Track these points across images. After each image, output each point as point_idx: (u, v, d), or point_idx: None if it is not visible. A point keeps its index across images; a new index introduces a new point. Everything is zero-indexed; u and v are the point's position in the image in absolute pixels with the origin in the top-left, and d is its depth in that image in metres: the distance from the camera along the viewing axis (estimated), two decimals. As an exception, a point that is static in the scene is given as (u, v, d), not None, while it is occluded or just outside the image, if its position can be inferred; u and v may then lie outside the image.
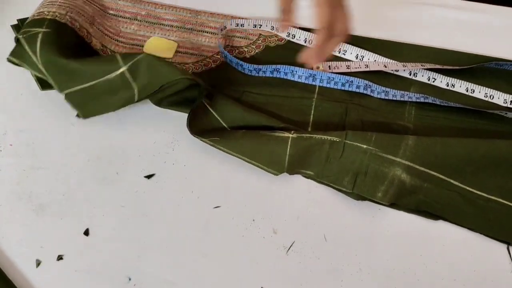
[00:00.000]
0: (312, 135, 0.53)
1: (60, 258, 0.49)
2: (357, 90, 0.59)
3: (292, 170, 0.53)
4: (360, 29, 0.64)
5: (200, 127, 0.54)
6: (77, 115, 0.56)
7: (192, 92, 0.55)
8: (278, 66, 0.59)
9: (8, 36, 0.60)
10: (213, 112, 0.55)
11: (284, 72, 0.60)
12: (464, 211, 0.52)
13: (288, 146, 0.52)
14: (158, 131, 0.56)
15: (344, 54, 0.62)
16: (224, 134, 0.54)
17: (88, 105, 0.55)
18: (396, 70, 0.61)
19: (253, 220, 0.52)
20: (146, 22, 0.64)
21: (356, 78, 0.58)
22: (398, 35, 0.64)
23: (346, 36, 0.49)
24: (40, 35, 0.53)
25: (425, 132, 0.56)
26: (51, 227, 0.51)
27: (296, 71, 0.59)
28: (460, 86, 0.60)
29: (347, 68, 0.60)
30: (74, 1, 0.60)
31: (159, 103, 0.57)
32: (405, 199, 0.52)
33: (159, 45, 0.62)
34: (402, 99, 0.58)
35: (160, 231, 0.51)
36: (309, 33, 0.63)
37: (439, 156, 0.52)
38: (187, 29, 0.64)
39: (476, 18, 0.65)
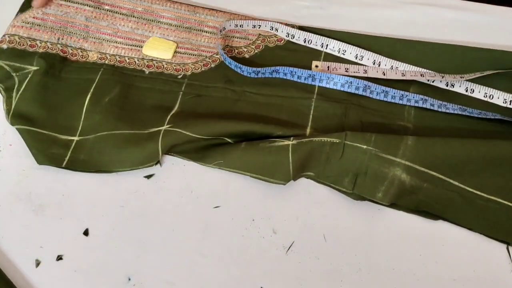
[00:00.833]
0: (311, 139, 0.53)
1: (59, 258, 0.49)
2: (356, 92, 0.58)
3: (296, 176, 0.53)
4: (357, 29, 0.64)
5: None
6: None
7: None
8: (277, 67, 0.59)
9: None
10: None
11: (284, 73, 0.60)
12: (464, 211, 0.52)
13: (290, 154, 0.52)
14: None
15: (344, 54, 0.62)
16: (225, 155, 0.54)
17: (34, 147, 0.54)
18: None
19: (253, 220, 0.52)
20: (144, 19, 0.64)
21: (355, 79, 0.58)
22: (394, 36, 0.64)
23: None
24: (30, 76, 0.57)
25: (425, 132, 0.56)
26: (50, 227, 0.51)
27: (295, 72, 0.59)
28: (460, 85, 0.60)
29: (346, 71, 0.60)
30: (66, 15, 0.62)
31: None
32: (405, 199, 0.52)
33: (158, 45, 0.62)
34: (401, 102, 0.58)
35: (159, 231, 0.51)
36: (308, 33, 0.63)
37: (439, 156, 0.52)
38: (185, 28, 0.64)
39: (474, 18, 0.65)
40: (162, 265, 0.49)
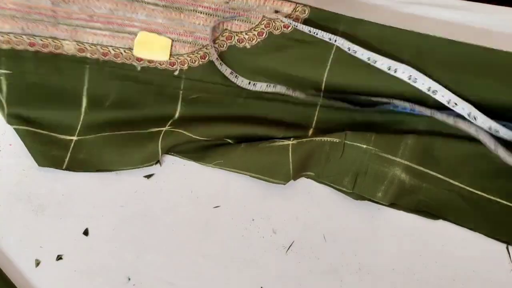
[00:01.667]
0: (312, 138, 0.53)
1: (59, 258, 0.49)
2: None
3: (296, 176, 0.53)
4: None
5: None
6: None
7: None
8: (273, 84, 0.53)
9: None
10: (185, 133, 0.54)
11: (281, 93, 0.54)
12: (464, 211, 0.51)
13: (290, 154, 0.52)
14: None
15: (375, 63, 0.51)
16: (225, 155, 0.53)
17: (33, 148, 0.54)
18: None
19: (253, 220, 0.52)
20: None
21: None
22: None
23: None
24: (3, 79, 0.54)
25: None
26: (50, 227, 0.51)
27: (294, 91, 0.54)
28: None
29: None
30: (27, 0, 0.53)
31: None
32: (405, 199, 0.52)
33: (150, 44, 0.54)
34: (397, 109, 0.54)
35: (159, 231, 0.51)
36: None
37: (439, 156, 0.52)
38: (176, 8, 0.52)
39: (471, 18, 0.65)
40: (162, 265, 0.49)
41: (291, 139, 0.53)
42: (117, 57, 0.54)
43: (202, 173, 0.54)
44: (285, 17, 0.52)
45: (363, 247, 0.50)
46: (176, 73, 0.55)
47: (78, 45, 0.54)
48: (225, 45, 0.54)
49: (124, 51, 0.54)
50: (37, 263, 0.49)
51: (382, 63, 0.50)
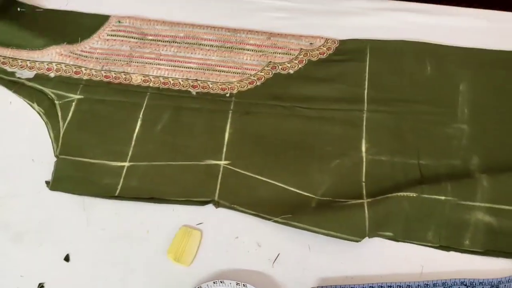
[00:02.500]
0: (387, 196, 0.51)
1: (41, 286, 0.48)
2: None
3: (372, 234, 0.50)
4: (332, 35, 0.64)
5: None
6: (46, 183, 0.54)
7: None
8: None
9: None
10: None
11: None
12: None
13: (366, 210, 0.51)
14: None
15: None
16: (295, 210, 0.52)
17: (67, 180, 0.54)
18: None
19: (237, 237, 0.51)
20: (186, 43, 0.65)
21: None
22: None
23: None
24: (73, 104, 0.58)
25: (482, 130, 0.57)
26: (30, 255, 0.50)
27: None
28: None
29: None
30: (112, 47, 0.64)
31: None
32: (501, 242, 0.50)
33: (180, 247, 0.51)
34: None
35: (142, 252, 0.50)
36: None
37: None
38: (227, 48, 0.65)
39: (445, 21, 0.67)
40: (146, 287, 0.48)
41: (364, 197, 0.52)
42: (175, 86, 0.61)
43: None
44: (318, 47, 0.64)
45: (350, 255, 0.50)
46: (227, 95, 0.60)
47: (144, 77, 0.62)
48: (270, 73, 0.62)
49: (182, 81, 0.61)
50: (18, 293, 0.48)
51: None
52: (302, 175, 0.55)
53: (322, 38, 0.65)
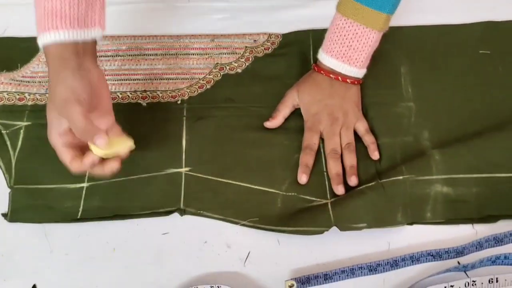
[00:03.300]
0: (349, 193, 0.53)
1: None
2: None
3: (343, 227, 0.50)
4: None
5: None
6: (3, 215, 0.52)
7: None
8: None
9: None
10: None
11: None
12: None
13: (330, 208, 0.52)
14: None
15: None
16: (261, 213, 0.52)
17: (25, 209, 0.52)
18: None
19: (205, 242, 0.51)
20: (129, 55, 0.64)
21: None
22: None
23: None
24: (22, 132, 0.57)
25: (427, 107, 0.59)
26: (-6, 292, 0.48)
27: None
28: None
29: None
30: None
31: None
32: (461, 211, 0.52)
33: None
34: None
35: (111, 270, 0.49)
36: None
37: (471, 158, 0.53)
38: (172, 54, 0.64)
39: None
40: (120, 305, 0.48)
41: (328, 197, 0.53)
42: (124, 99, 0.61)
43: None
44: (262, 43, 0.65)
45: (318, 243, 0.51)
46: (178, 102, 0.60)
47: None
48: (219, 75, 0.63)
49: (130, 94, 0.61)
50: (-13, 333, 0.46)
51: None
52: (264, 172, 0.55)
53: (265, 34, 0.66)
